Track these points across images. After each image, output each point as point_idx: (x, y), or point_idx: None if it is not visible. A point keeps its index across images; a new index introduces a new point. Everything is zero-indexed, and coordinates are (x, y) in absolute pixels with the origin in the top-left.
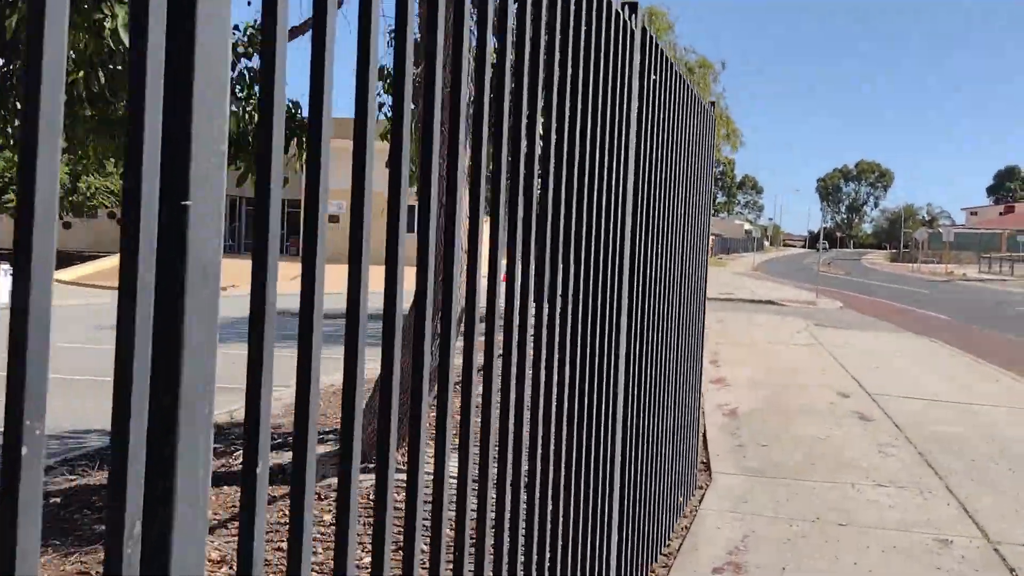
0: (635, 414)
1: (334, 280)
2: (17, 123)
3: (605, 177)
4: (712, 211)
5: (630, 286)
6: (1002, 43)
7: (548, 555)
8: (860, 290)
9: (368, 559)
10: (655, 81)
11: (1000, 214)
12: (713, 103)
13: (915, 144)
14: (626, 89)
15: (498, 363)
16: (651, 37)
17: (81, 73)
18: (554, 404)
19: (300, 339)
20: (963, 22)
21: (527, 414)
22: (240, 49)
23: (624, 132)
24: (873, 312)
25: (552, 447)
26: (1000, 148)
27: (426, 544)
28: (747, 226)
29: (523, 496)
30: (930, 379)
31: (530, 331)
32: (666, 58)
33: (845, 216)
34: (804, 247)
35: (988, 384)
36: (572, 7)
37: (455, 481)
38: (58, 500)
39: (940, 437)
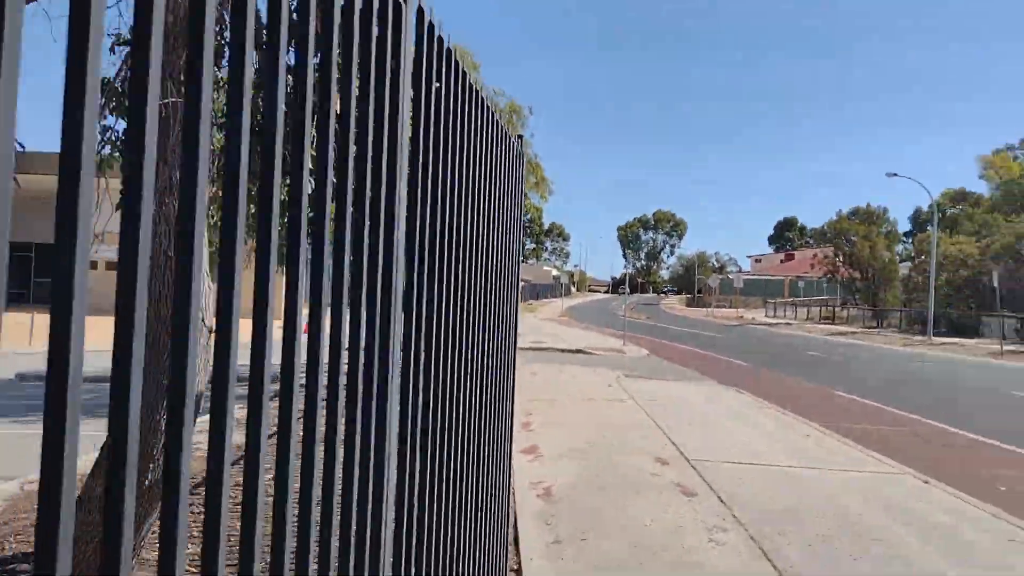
0: (414, 520)
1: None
2: None
3: (371, 197)
4: (522, 257)
5: (405, 341)
6: (800, 116)
7: None
8: (662, 335)
9: None
10: (439, 89)
11: (781, 261)
12: (521, 137)
13: (705, 195)
14: (398, 87)
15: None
16: (432, 24)
17: None
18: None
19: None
20: (731, 89)
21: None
22: None
23: (393, 137)
24: (678, 358)
25: None
26: (780, 200)
27: None
28: (555, 272)
29: None
30: (744, 436)
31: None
32: (455, 62)
33: (645, 263)
34: (608, 292)
35: (800, 439)
36: None
37: None
38: None
39: (770, 514)
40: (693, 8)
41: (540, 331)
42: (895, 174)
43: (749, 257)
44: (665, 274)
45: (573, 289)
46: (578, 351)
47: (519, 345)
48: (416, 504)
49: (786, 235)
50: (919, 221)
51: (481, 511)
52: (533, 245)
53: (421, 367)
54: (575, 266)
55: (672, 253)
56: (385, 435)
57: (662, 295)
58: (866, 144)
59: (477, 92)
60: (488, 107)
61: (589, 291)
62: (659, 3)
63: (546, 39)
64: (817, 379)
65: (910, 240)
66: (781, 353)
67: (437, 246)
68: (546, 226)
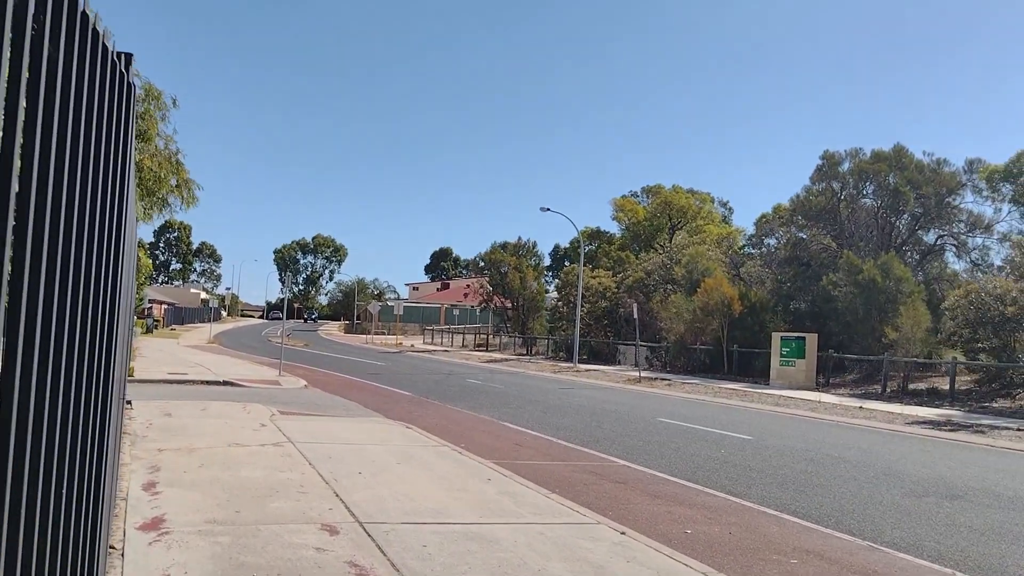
0: None
1: None
2: None
3: None
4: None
5: None
6: (455, 151)
7: None
8: (321, 364)
9: None
10: None
11: (438, 289)
12: (129, 56)
13: (367, 222)
14: None
15: None
16: None
17: None
18: None
19: None
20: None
21: None
22: None
23: None
24: (339, 389)
25: None
26: (436, 231)
27: None
28: (204, 295)
29: None
30: (423, 484)
31: None
32: None
33: (303, 287)
34: (263, 317)
35: (483, 485)
36: None
37: None
38: None
39: None
40: (368, 31)
41: (183, 360)
42: (548, 208)
43: (407, 285)
44: (324, 300)
45: (224, 313)
46: (226, 383)
47: (152, 377)
48: None
49: (442, 265)
50: (557, 256)
51: None
52: (180, 265)
53: None
54: (227, 289)
55: (332, 278)
56: None
57: (314, 321)
58: (521, 181)
59: None
60: None
61: (242, 316)
62: (335, 25)
63: (212, 44)
64: (482, 409)
65: (549, 273)
66: (443, 381)
67: None
68: (195, 245)
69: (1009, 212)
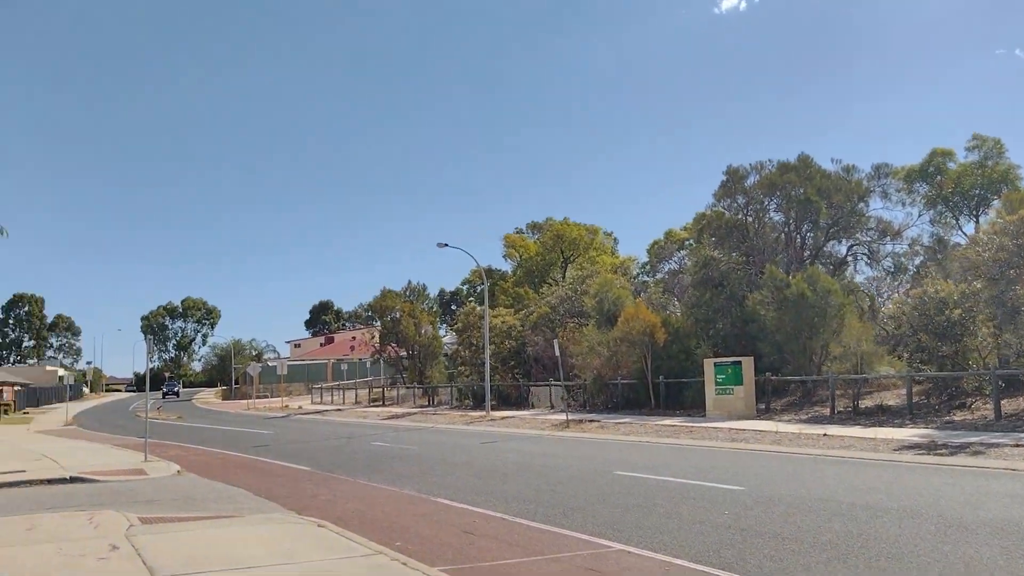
0: None
1: None
2: None
3: None
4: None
5: None
6: (327, 199)
7: None
8: (198, 439)
9: None
10: None
11: (321, 344)
12: None
13: (237, 282)
14: None
15: None
16: None
17: None
18: None
19: None
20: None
21: None
22: None
23: None
24: (220, 471)
25: None
26: (313, 284)
27: None
28: (62, 372)
29: None
30: None
31: None
32: None
33: (174, 354)
34: (131, 390)
35: None
36: None
37: None
38: None
39: None
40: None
41: (25, 452)
42: (446, 244)
43: (288, 342)
44: (198, 366)
45: (86, 390)
46: (74, 480)
47: None
48: None
49: (323, 318)
50: (443, 301)
51: None
52: (33, 343)
53: None
54: (88, 363)
55: (205, 343)
56: None
57: (175, 396)
58: (402, 226)
59: None
60: None
61: (107, 390)
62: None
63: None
64: (403, 481)
65: (438, 317)
66: (344, 447)
67: None
68: (50, 319)
69: (920, 215)
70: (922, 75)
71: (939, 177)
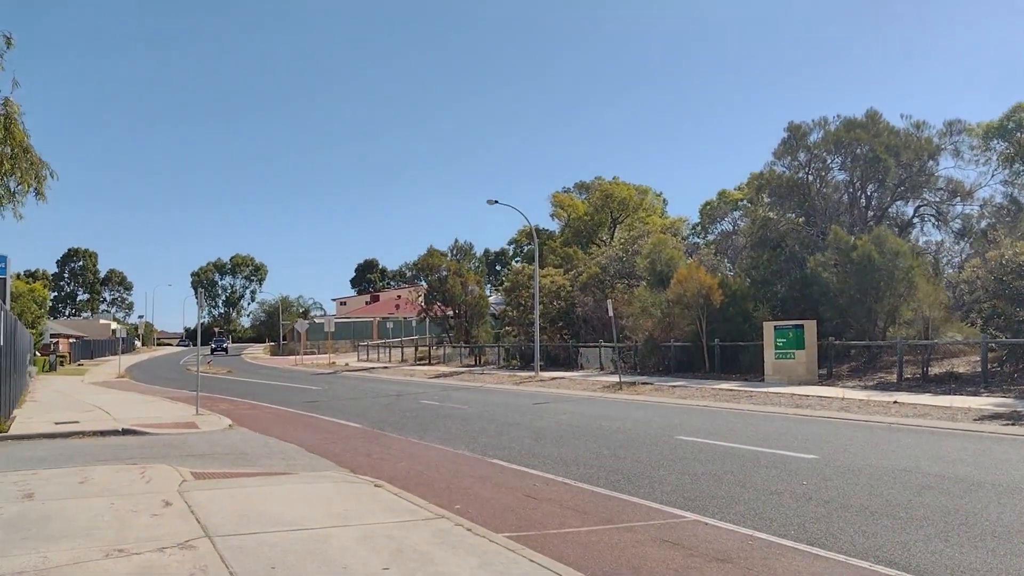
0: None
1: None
2: None
3: None
4: None
5: None
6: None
7: None
8: (248, 394)
9: None
10: None
11: (367, 303)
12: None
13: (286, 239)
14: None
15: None
16: None
17: None
18: None
19: None
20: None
21: None
22: None
23: None
24: (271, 426)
25: None
26: (359, 243)
27: None
28: (114, 325)
29: None
30: None
31: None
32: None
33: (223, 310)
34: (182, 344)
35: None
36: None
37: None
38: None
39: None
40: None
41: (80, 403)
42: (496, 201)
43: (334, 300)
44: (246, 322)
45: (138, 344)
46: (126, 432)
47: (31, 432)
48: None
49: (368, 277)
50: (488, 261)
51: None
52: (87, 296)
53: None
54: (140, 318)
55: (253, 299)
56: None
57: (224, 352)
58: (446, 186)
59: None
60: None
61: (159, 344)
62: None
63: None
64: (456, 441)
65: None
66: (394, 405)
67: None
68: (103, 274)
69: (993, 175)
70: (1001, 24)
71: (1019, 134)
